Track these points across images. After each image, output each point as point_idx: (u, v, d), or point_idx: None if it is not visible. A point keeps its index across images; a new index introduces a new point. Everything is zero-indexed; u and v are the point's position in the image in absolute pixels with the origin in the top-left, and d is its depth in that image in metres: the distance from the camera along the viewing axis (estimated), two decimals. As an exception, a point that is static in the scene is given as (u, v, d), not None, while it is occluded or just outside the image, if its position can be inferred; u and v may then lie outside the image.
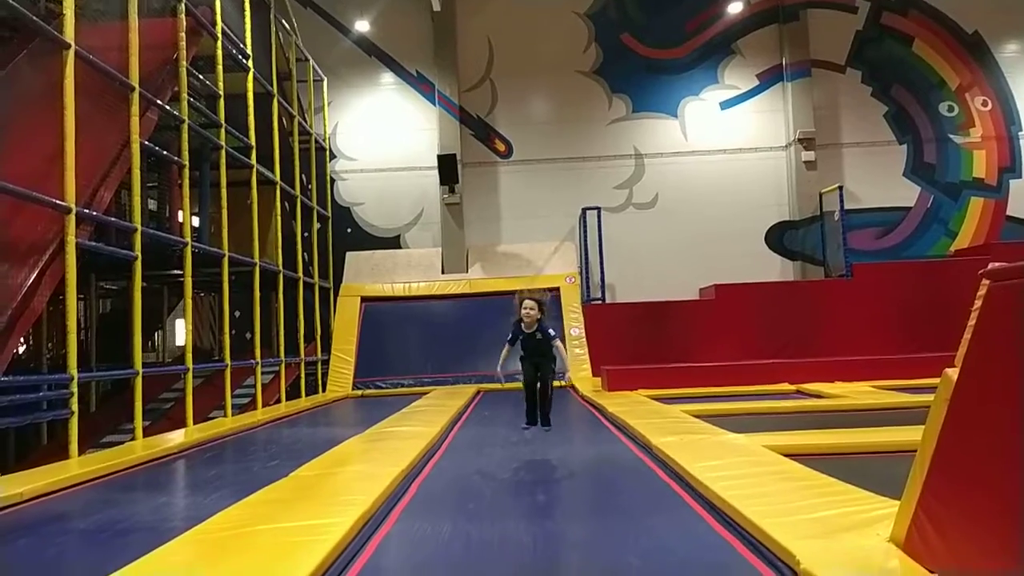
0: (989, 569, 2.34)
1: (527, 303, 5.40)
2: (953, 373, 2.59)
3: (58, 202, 6.82)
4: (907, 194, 16.96)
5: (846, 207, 15.24)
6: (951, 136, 17.07)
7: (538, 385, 5.62)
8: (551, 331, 5.52)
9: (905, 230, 16.89)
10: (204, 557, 3.23)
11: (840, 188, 15.32)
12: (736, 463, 4.73)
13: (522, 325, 5.43)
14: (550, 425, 5.58)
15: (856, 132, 17.10)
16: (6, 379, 6.34)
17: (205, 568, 3.03)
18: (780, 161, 17.09)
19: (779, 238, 16.93)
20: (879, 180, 16.87)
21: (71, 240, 6.96)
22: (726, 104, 17.28)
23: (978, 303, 2.51)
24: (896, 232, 16.89)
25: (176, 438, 7.81)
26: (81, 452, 6.88)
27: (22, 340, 9.98)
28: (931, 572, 2.56)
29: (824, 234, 16.12)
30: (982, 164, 17.01)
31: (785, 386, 11.01)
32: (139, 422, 8.02)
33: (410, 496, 4.70)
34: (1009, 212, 16.88)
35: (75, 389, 6.94)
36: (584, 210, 16.22)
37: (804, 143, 16.56)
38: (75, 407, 6.90)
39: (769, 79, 17.24)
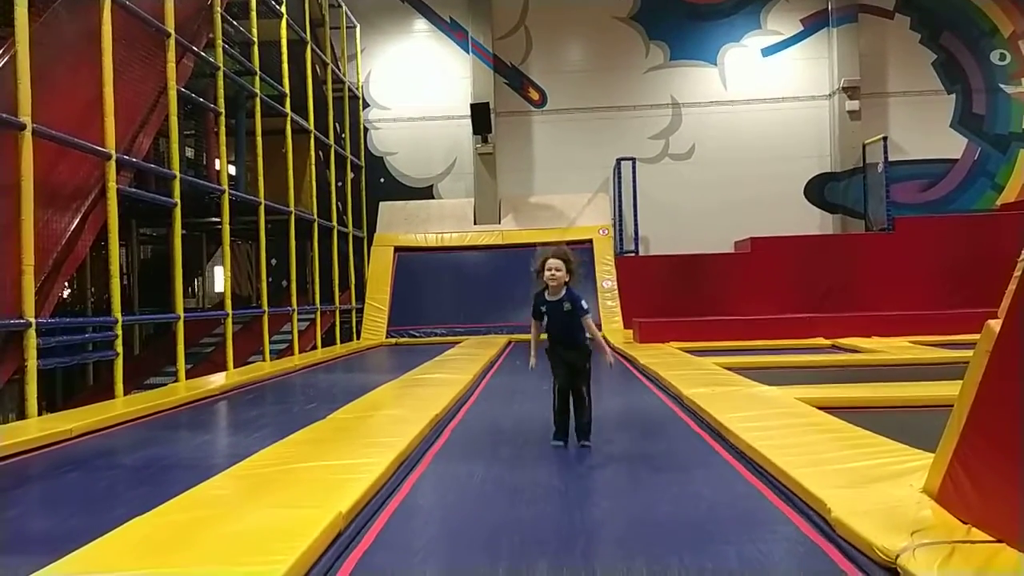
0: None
1: (551, 262, 4.23)
2: (996, 325, 2.54)
3: (99, 148, 6.93)
4: (954, 146, 16.43)
5: (890, 159, 14.82)
6: (1002, 86, 16.40)
7: (571, 393, 4.41)
8: (583, 303, 4.32)
9: (950, 183, 16.41)
10: (248, 491, 3.35)
11: (884, 139, 14.89)
12: (768, 414, 4.72)
13: (546, 293, 4.31)
14: (589, 440, 4.31)
15: (903, 81, 16.51)
16: (53, 321, 6.54)
17: (249, 501, 3.15)
18: (823, 111, 16.61)
19: (819, 190, 16.56)
20: (925, 131, 16.34)
21: (112, 186, 7.08)
22: (768, 51, 16.77)
23: (1025, 255, 2.44)
24: (941, 185, 16.41)
25: (217, 380, 8.04)
26: (126, 393, 7.11)
27: (67, 284, 10.25)
28: (964, 523, 2.54)
29: (866, 186, 15.73)
30: (1034, 115, 16.37)
31: (820, 340, 10.91)
32: (181, 364, 8.25)
33: (443, 440, 4.79)
34: (1060, 165, 16.29)
35: (119, 332, 7.14)
36: (619, 161, 16.00)
37: (848, 92, 16.05)
38: (120, 349, 7.12)
39: (813, 24, 16.65)
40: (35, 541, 3.09)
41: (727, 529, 2.92)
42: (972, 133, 16.44)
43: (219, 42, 9.46)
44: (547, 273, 4.24)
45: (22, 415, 5.95)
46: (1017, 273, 2.48)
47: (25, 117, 5.91)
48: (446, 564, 2.66)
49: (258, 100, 10.56)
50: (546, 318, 4.36)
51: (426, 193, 17.03)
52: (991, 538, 2.40)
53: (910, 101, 16.48)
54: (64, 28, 7.37)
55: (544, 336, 4.52)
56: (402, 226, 15.91)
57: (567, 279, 4.27)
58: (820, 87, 16.61)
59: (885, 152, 14.74)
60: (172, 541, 2.65)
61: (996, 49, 16.44)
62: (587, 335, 4.37)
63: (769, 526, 2.95)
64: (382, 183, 16.89)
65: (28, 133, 5.94)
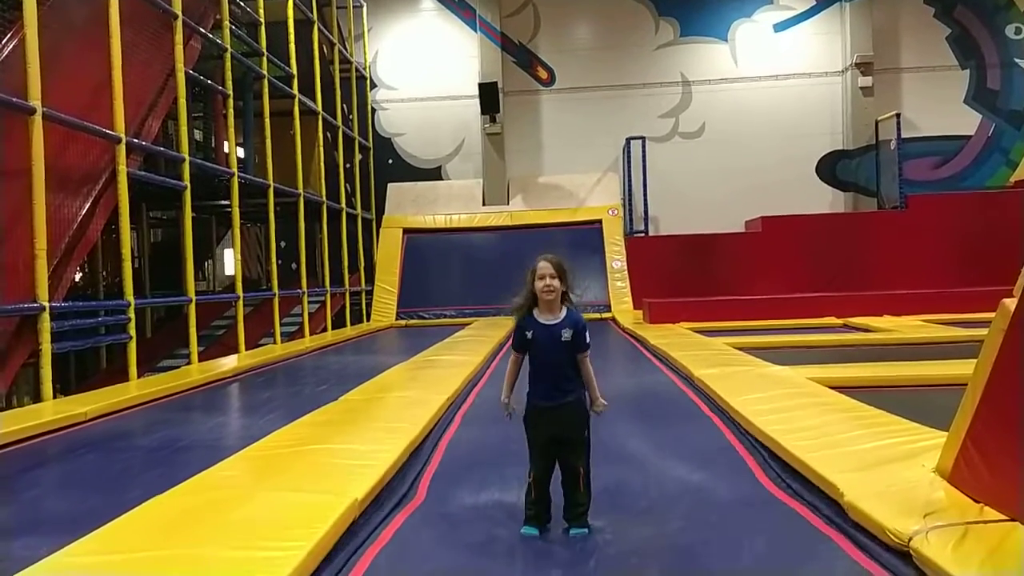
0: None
1: (542, 267, 3.06)
2: (1011, 303, 2.51)
3: (108, 132, 6.93)
4: (967, 122, 16.21)
5: (903, 135, 14.66)
6: (1017, 60, 16.13)
7: (559, 467, 3.05)
8: (587, 335, 3.09)
9: (964, 160, 16.22)
10: (262, 473, 3.38)
11: (897, 115, 14.70)
12: (779, 395, 4.70)
13: (536, 314, 3.10)
14: (587, 526, 2.94)
15: (916, 56, 16.27)
16: (66, 305, 6.59)
17: (264, 484, 3.18)
18: (835, 87, 16.41)
19: (831, 168, 16.41)
20: (939, 107, 16.12)
21: (122, 169, 7.10)
22: (780, 26, 16.54)
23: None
24: (954, 162, 16.23)
25: (229, 363, 8.09)
26: (139, 375, 7.17)
27: (79, 268, 10.31)
28: (977, 502, 2.54)
29: (879, 164, 15.57)
30: (1050, 90, 16.13)
31: (832, 320, 10.85)
32: (194, 347, 8.30)
33: (456, 426, 4.81)
34: (1076, 141, 16.06)
35: (132, 315, 7.18)
36: (628, 140, 15.89)
37: (861, 68, 15.84)
38: (133, 332, 7.16)
39: (826, -1, 16.42)
40: (54, 521, 3.14)
41: (739, 512, 2.93)
42: (986, 109, 16.21)
43: (226, 23, 9.42)
44: (539, 284, 3.05)
45: (37, 398, 6.02)
46: (1033, 252, 2.46)
47: (35, 101, 5.92)
48: (463, 550, 2.67)
49: (266, 82, 10.53)
50: (533, 351, 3.12)
51: (434, 174, 16.98)
52: (1004, 517, 2.39)
53: (924, 77, 16.25)
54: (72, 11, 7.35)
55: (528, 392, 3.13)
56: (410, 208, 15.88)
57: (562, 292, 3.10)
58: (832, 63, 16.40)
59: (898, 129, 14.57)
60: (189, 522, 2.67)
61: (1011, 23, 16.16)
62: (580, 388, 3.09)
63: (781, 510, 2.95)
64: (390, 164, 16.84)
65: (38, 117, 5.95)
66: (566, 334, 3.04)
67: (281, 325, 10.83)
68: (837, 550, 2.56)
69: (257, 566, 2.24)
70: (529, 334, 3.09)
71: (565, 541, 2.78)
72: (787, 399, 4.56)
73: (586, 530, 2.94)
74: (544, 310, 3.09)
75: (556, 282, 3.04)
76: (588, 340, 3.09)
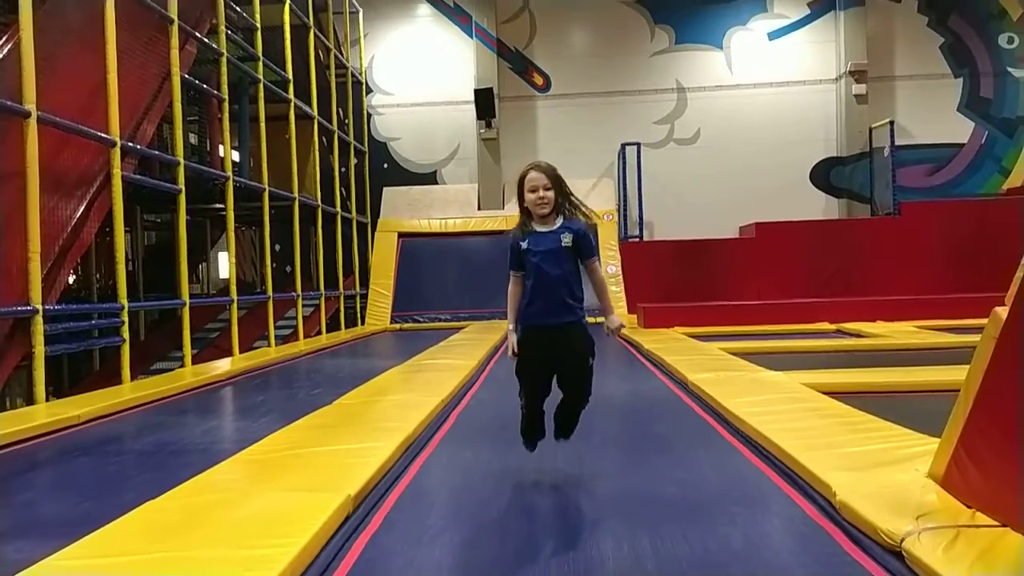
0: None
1: (532, 177, 2.77)
2: (1003, 311, 2.53)
3: (103, 135, 6.93)
4: (961, 129, 16.33)
5: (897, 143, 14.74)
6: (1010, 69, 16.27)
7: (559, 390, 3.03)
8: (591, 238, 2.89)
9: (957, 167, 16.32)
10: (257, 475, 3.38)
11: (891, 123, 14.79)
12: (773, 399, 4.72)
13: (531, 223, 2.83)
14: (570, 435, 3.17)
15: (910, 64, 16.39)
16: (60, 307, 6.57)
17: (258, 485, 3.18)
18: (829, 95, 16.51)
19: (825, 175, 16.49)
20: (932, 115, 16.24)
21: (117, 173, 7.09)
22: (774, 34, 16.64)
23: (1033, 239, 2.44)
24: (947, 169, 16.33)
25: (223, 366, 8.07)
26: (132, 378, 7.15)
27: (72, 271, 10.27)
28: (969, 507, 2.55)
29: (872, 171, 15.66)
30: (1041, 98, 16.25)
31: (825, 325, 10.90)
32: (188, 350, 8.28)
33: (449, 425, 4.82)
34: (1068, 149, 16.18)
35: (125, 318, 7.17)
36: (623, 145, 15.94)
37: (855, 76, 15.94)
38: (126, 335, 7.15)
39: (821, 7, 16.51)
40: (48, 525, 3.12)
41: (732, 512, 2.94)
42: (979, 117, 16.33)
43: (222, 27, 9.43)
44: (531, 196, 2.72)
45: (30, 401, 5.99)
46: (1024, 259, 2.48)
47: (30, 104, 5.91)
48: (453, 546, 2.68)
49: (261, 86, 10.53)
50: (530, 263, 2.78)
51: (430, 179, 17.00)
52: (995, 523, 2.41)
53: (917, 85, 16.37)
54: (67, 15, 7.35)
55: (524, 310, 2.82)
56: (406, 212, 15.88)
57: (557, 202, 2.77)
58: (827, 71, 16.50)
59: (892, 136, 14.66)
60: (184, 525, 2.67)
61: (1004, 32, 16.30)
62: (583, 309, 2.80)
63: (775, 509, 2.97)
64: (385, 169, 16.86)
65: (33, 120, 5.94)
66: (566, 239, 2.77)
67: (275, 328, 10.82)
68: (827, 538, 2.61)
69: (253, 564, 2.25)
70: (524, 243, 2.79)
71: (557, 506, 2.96)
72: (781, 403, 4.58)
73: (568, 438, 3.21)
74: (542, 221, 2.82)
75: (551, 193, 2.75)
76: (594, 244, 2.83)
